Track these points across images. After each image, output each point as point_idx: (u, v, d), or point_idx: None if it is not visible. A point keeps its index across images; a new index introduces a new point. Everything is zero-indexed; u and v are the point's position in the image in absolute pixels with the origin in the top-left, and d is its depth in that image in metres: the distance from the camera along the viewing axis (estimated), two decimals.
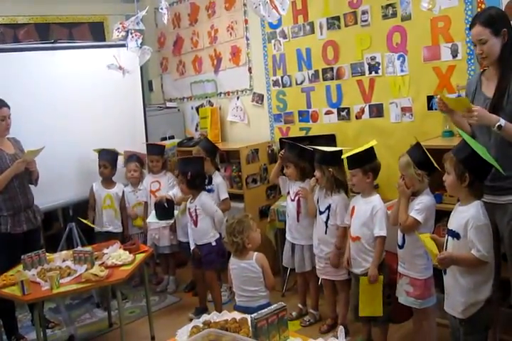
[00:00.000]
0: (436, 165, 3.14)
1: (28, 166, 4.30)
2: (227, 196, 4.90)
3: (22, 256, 3.92)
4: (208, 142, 5.13)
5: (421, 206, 3.25)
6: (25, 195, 4.36)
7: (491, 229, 2.78)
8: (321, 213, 4.06)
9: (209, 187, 4.81)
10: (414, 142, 3.33)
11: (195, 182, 4.42)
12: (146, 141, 5.87)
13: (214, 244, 4.43)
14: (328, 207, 3.99)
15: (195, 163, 4.52)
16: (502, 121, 2.86)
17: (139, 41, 4.55)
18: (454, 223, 2.85)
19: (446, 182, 2.85)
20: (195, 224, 4.43)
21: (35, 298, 3.55)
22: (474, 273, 2.76)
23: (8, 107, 4.29)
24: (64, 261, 3.99)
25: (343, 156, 3.76)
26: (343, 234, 3.92)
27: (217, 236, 4.47)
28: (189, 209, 4.48)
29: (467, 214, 2.75)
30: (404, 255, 3.41)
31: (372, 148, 3.62)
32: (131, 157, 5.44)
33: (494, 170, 2.84)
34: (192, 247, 4.51)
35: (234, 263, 3.52)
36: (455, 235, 2.80)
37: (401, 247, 3.41)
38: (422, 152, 3.22)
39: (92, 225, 5.13)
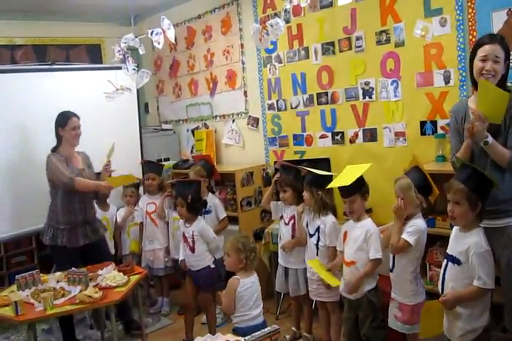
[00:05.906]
0: (435, 188, 3.19)
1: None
2: (225, 215, 4.97)
3: (16, 277, 3.90)
4: (209, 163, 5.17)
5: (413, 229, 3.25)
6: (84, 210, 4.48)
7: (492, 256, 2.80)
8: (311, 236, 4.07)
9: (207, 208, 4.84)
10: (410, 165, 3.38)
11: (196, 205, 4.33)
12: None
13: (213, 266, 4.38)
14: (318, 229, 4.00)
15: (195, 186, 4.44)
16: (490, 139, 2.96)
17: (134, 65, 4.59)
18: (454, 249, 2.87)
19: (455, 213, 2.82)
20: (192, 250, 4.32)
21: (28, 319, 3.52)
22: (474, 302, 2.79)
23: (78, 117, 4.46)
24: (58, 282, 3.98)
25: (342, 184, 3.58)
26: (333, 254, 3.93)
27: (213, 258, 4.43)
28: (184, 233, 4.37)
29: (469, 241, 2.78)
30: (394, 278, 3.42)
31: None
32: None
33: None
34: (180, 259, 4.47)
35: (247, 282, 3.43)
36: (456, 261, 2.83)
37: (391, 270, 3.42)
38: (421, 175, 3.25)
39: None
